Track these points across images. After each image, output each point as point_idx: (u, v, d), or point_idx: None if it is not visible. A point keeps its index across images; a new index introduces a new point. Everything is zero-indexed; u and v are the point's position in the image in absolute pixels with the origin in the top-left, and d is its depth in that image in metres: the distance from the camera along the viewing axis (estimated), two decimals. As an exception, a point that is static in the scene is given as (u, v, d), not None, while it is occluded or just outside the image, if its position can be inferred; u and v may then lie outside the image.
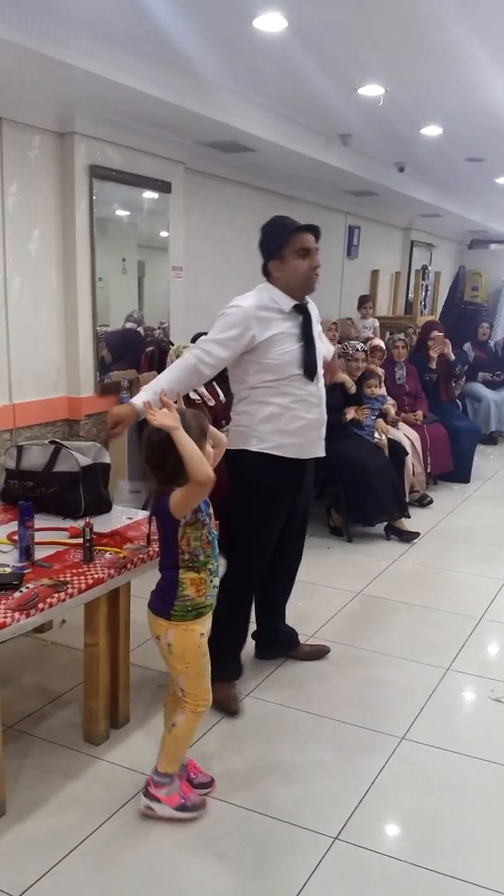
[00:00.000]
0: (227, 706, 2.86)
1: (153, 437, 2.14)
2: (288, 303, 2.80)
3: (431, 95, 4.91)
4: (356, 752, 2.65)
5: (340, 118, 5.44)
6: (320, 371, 2.89)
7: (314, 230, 2.84)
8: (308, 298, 2.91)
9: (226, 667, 2.94)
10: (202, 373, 2.79)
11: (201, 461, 2.08)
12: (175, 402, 2.17)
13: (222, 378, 5.07)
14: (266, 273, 2.86)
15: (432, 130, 5.77)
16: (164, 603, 2.21)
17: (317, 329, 2.94)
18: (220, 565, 2.31)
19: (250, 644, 3.20)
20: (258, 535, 2.91)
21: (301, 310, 2.84)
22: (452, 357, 6.59)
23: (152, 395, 2.46)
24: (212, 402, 4.50)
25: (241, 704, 2.92)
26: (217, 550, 2.27)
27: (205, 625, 2.26)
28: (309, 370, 2.81)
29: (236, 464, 2.81)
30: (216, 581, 2.27)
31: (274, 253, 2.80)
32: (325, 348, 3.09)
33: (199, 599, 2.22)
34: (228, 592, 2.89)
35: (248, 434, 2.82)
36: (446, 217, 9.58)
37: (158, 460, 2.14)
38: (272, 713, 2.88)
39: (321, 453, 2.96)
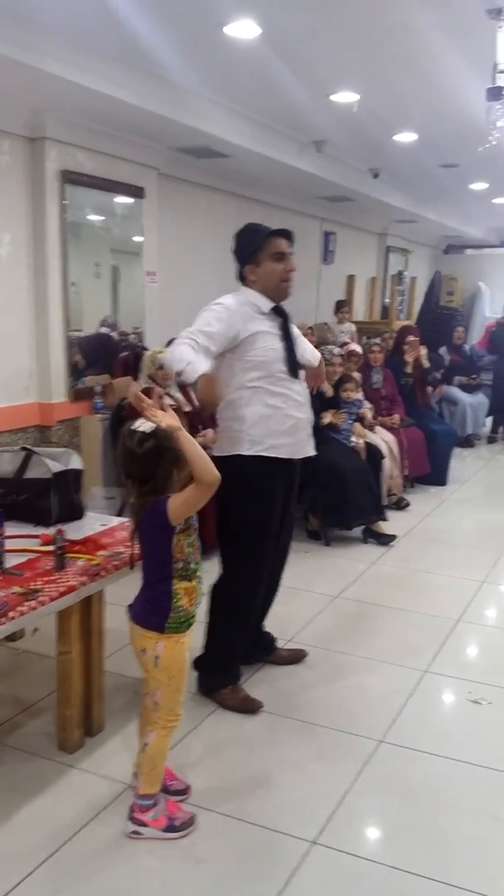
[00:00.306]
0: (248, 706, 2.89)
1: (136, 450, 2.07)
2: (266, 304, 2.83)
3: (405, 102, 4.94)
4: (334, 755, 2.64)
5: (314, 124, 5.46)
6: (302, 372, 2.93)
7: (287, 234, 2.86)
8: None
9: (234, 672, 2.98)
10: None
11: (207, 461, 2.05)
12: (154, 400, 2.13)
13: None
14: (241, 278, 2.88)
15: (406, 137, 5.81)
16: (157, 616, 2.15)
17: (295, 331, 2.97)
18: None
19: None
20: (259, 538, 2.88)
21: (279, 311, 2.87)
22: (427, 364, 6.64)
23: (193, 372, 2.57)
24: (188, 408, 4.48)
25: (219, 711, 2.89)
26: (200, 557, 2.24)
27: (190, 636, 2.23)
28: (292, 368, 2.84)
29: (230, 469, 2.78)
30: (202, 588, 2.24)
31: (249, 258, 2.82)
32: (310, 352, 3.12)
33: (190, 609, 2.19)
34: (233, 600, 2.89)
35: (239, 437, 2.81)
36: (421, 222, 9.66)
37: (144, 473, 2.08)
38: (250, 718, 2.86)
39: (312, 452, 2.98)
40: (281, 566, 3.16)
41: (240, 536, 2.87)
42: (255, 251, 2.81)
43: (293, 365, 2.85)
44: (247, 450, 2.80)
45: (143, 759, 2.23)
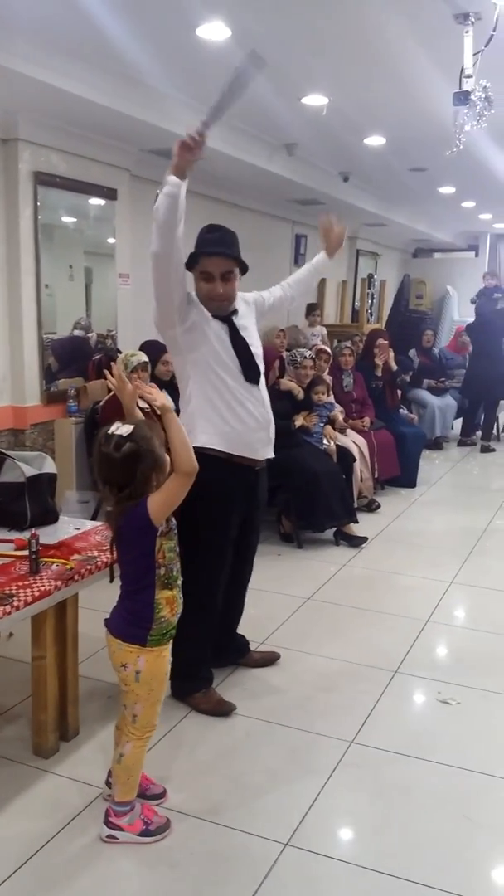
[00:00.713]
0: (221, 709, 2.90)
1: (114, 454, 2.01)
2: (207, 312, 2.80)
3: (375, 105, 4.99)
4: (306, 757, 2.67)
5: (285, 127, 5.49)
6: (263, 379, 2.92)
7: (224, 255, 2.76)
8: (242, 297, 2.94)
9: (204, 676, 2.99)
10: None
11: (190, 450, 2.04)
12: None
13: (172, 386, 5.07)
14: None
15: (376, 140, 5.87)
16: (138, 628, 2.11)
17: (250, 321, 2.94)
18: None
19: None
20: (214, 539, 2.87)
21: (223, 319, 2.83)
22: (395, 367, 6.72)
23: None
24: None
25: (192, 714, 2.91)
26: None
27: (170, 649, 2.22)
28: (247, 373, 2.82)
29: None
30: (181, 597, 2.22)
31: (188, 265, 2.77)
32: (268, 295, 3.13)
33: (172, 619, 2.17)
34: (191, 600, 2.87)
35: (193, 432, 2.76)
36: (391, 226, 9.74)
37: (122, 478, 2.02)
38: (222, 721, 2.87)
39: (269, 455, 2.96)
40: (248, 570, 3.18)
41: (196, 536, 2.81)
42: (191, 262, 2.77)
43: (248, 370, 2.82)
44: (196, 441, 2.71)
45: (119, 769, 2.22)
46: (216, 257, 2.75)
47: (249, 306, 2.99)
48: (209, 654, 3.05)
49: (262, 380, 2.94)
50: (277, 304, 3.18)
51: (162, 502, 2.04)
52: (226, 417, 2.79)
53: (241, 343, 2.83)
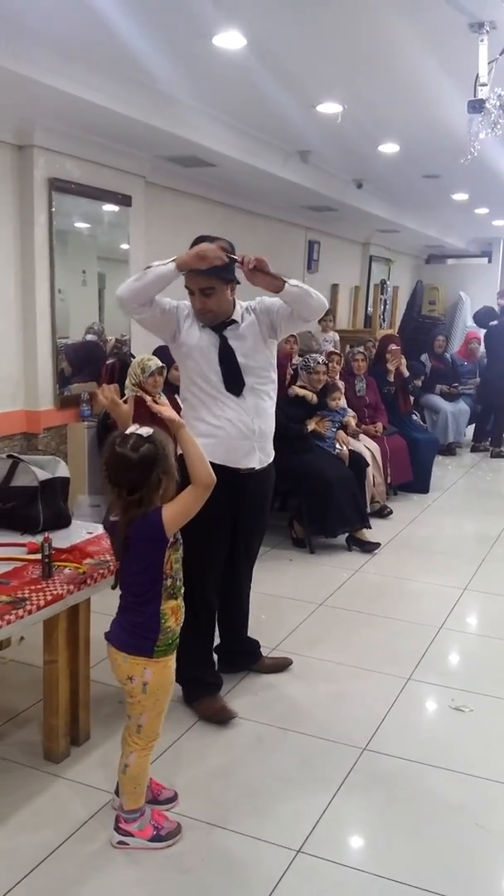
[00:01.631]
0: (220, 716, 2.88)
1: (131, 454, 1.99)
2: (198, 321, 2.86)
3: (388, 113, 5.00)
4: (318, 763, 2.66)
5: (299, 135, 5.50)
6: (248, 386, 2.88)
7: (208, 272, 2.71)
8: (247, 306, 2.91)
9: (209, 680, 2.99)
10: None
11: (206, 462, 2.04)
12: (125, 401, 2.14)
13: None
14: None
15: (389, 148, 5.87)
16: (145, 640, 2.10)
17: (251, 331, 2.88)
18: None
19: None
20: (199, 544, 2.76)
21: (215, 328, 2.84)
22: (406, 373, 6.71)
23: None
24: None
25: (201, 719, 2.91)
26: None
27: (174, 657, 2.21)
28: (230, 385, 2.83)
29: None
30: (184, 606, 2.21)
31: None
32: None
33: (176, 629, 2.16)
34: (188, 612, 2.87)
35: None
36: (404, 232, 9.74)
37: (135, 480, 1.99)
38: (235, 726, 2.87)
39: (253, 465, 2.90)
40: (247, 574, 3.17)
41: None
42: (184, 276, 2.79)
43: (231, 382, 2.82)
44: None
45: (125, 779, 2.21)
46: (192, 274, 2.75)
47: (254, 316, 2.91)
48: (210, 659, 3.04)
49: (264, 391, 2.91)
50: (287, 320, 2.96)
51: (177, 513, 2.04)
52: (207, 424, 2.83)
53: (228, 356, 2.82)
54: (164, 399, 4.48)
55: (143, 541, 2.05)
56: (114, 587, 2.29)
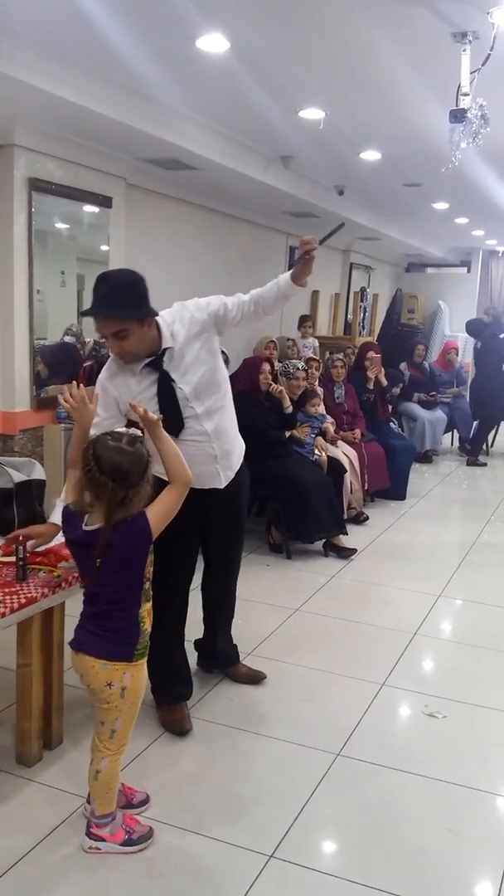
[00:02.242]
0: (175, 727, 2.83)
1: (127, 451, 1.96)
2: (136, 367, 2.65)
3: (370, 121, 5.02)
4: (292, 769, 2.65)
5: (282, 140, 5.51)
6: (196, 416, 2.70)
7: (100, 316, 2.54)
8: (182, 318, 2.70)
9: (174, 689, 2.94)
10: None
11: (182, 460, 2.04)
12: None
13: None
14: None
15: (371, 155, 5.90)
16: (125, 645, 2.08)
17: (191, 348, 2.70)
18: None
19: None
20: (163, 557, 2.78)
21: (153, 364, 2.64)
22: (385, 382, 6.76)
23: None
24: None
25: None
26: None
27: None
28: (172, 425, 2.56)
29: None
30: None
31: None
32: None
33: (149, 631, 2.17)
34: (159, 622, 2.84)
35: None
36: (384, 240, 9.79)
37: (129, 478, 1.95)
38: (209, 731, 2.86)
39: (219, 485, 2.81)
40: (226, 585, 3.16)
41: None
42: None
43: (171, 422, 2.53)
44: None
45: (97, 786, 2.19)
46: (97, 320, 2.55)
47: (194, 326, 2.70)
48: (178, 667, 2.96)
49: (220, 406, 2.77)
50: (245, 319, 2.83)
51: (160, 514, 2.04)
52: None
53: (166, 392, 2.63)
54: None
55: (131, 547, 2.03)
56: (82, 587, 2.23)
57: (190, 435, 2.68)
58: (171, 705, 2.91)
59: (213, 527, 2.94)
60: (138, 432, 2.07)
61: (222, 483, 2.84)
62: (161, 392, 2.63)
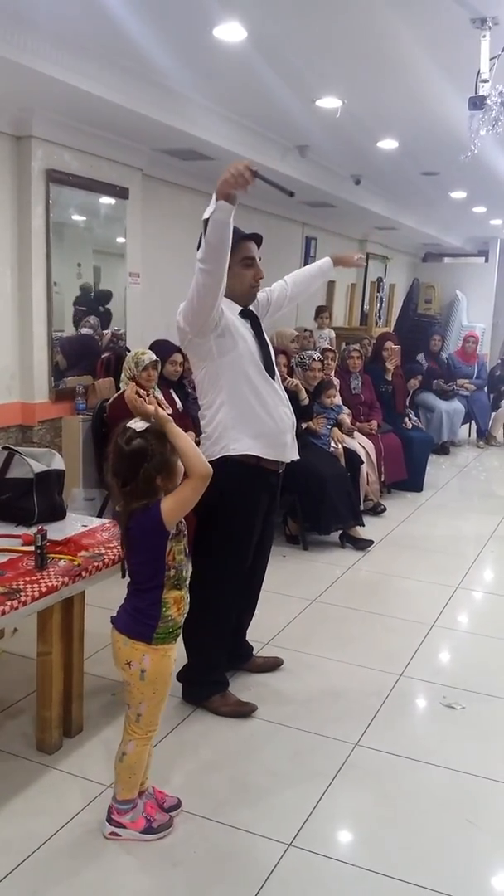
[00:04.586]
0: (242, 710, 2.90)
1: (124, 446, 2.04)
2: (234, 307, 2.80)
3: (388, 109, 4.99)
4: (310, 759, 2.66)
5: (298, 129, 5.49)
6: (278, 375, 2.90)
7: (258, 239, 2.82)
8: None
9: (220, 679, 2.98)
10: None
11: (199, 453, 2.05)
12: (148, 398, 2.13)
13: (180, 386, 5.06)
14: None
15: (388, 144, 5.86)
16: (145, 626, 2.11)
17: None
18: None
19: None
20: (239, 548, 2.86)
21: (248, 314, 2.85)
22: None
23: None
24: (169, 410, 4.50)
25: (195, 714, 2.91)
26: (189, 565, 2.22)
27: (175, 649, 2.20)
28: (268, 368, 2.81)
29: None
30: (188, 596, 2.22)
31: None
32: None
33: (178, 619, 2.16)
34: (211, 610, 2.85)
35: (220, 440, 2.75)
36: (401, 230, 9.73)
37: (126, 472, 2.04)
38: (227, 722, 2.87)
39: (296, 456, 2.92)
40: (261, 575, 3.16)
41: (220, 545, 2.83)
42: None
43: (269, 365, 2.81)
44: (232, 451, 2.73)
45: (121, 767, 2.21)
46: (252, 242, 2.78)
47: (258, 304, 2.98)
48: (224, 659, 3.03)
49: (279, 381, 2.92)
50: (277, 304, 3.14)
51: (175, 506, 2.06)
52: (263, 419, 2.76)
53: (263, 339, 2.84)
54: (159, 394, 4.48)
55: (142, 532, 2.08)
56: (123, 576, 2.33)
57: (277, 394, 2.82)
58: (224, 693, 2.95)
59: (270, 512, 2.97)
60: (144, 425, 2.07)
61: (296, 454, 2.92)
62: (257, 331, 2.83)
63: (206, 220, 2.51)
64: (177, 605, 2.15)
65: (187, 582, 2.19)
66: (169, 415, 2.16)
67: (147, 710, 2.18)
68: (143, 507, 2.05)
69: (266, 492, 2.88)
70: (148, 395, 2.21)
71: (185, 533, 2.18)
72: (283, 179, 6.32)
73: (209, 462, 2.64)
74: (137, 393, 2.16)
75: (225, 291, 2.66)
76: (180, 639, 2.28)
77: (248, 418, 2.75)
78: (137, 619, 2.13)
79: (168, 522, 2.06)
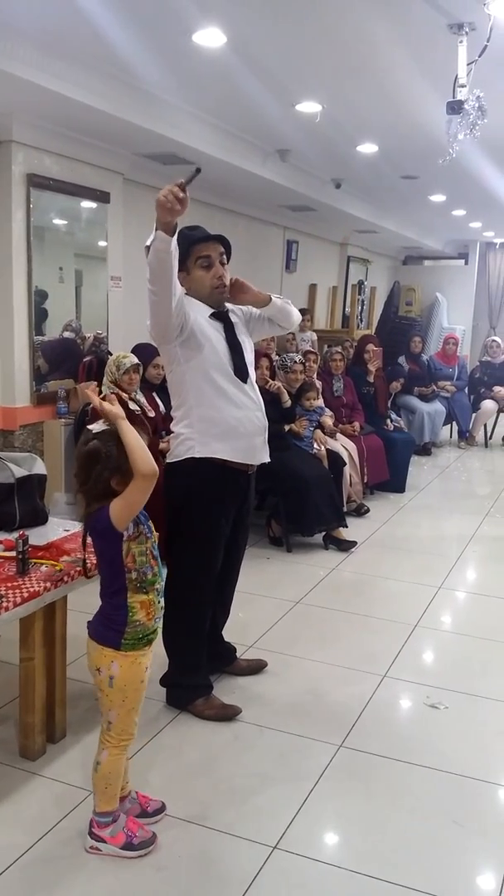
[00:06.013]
0: (227, 713, 2.90)
1: (80, 448, 2.08)
2: (205, 310, 2.81)
3: (367, 113, 5.02)
4: (295, 760, 2.67)
5: (279, 133, 5.51)
6: (252, 376, 2.89)
7: (219, 239, 2.82)
8: (231, 307, 2.93)
9: (203, 682, 2.98)
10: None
11: (147, 452, 2.02)
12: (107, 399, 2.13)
13: (162, 389, 5.06)
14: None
15: (368, 148, 5.90)
16: (113, 631, 2.09)
17: (241, 331, 2.93)
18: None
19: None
20: (206, 548, 2.86)
21: (220, 316, 2.84)
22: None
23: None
24: (152, 414, 4.49)
25: (179, 718, 2.91)
26: (161, 568, 2.19)
27: (149, 657, 2.18)
28: (238, 371, 2.80)
29: (179, 475, 2.79)
30: (162, 602, 2.19)
31: (180, 265, 2.68)
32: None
33: (149, 624, 2.13)
34: (186, 611, 2.86)
35: (187, 441, 2.78)
36: (382, 233, 9.79)
37: (82, 472, 2.06)
38: (211, 724, 2.87)
39: (266, 459, 2.93)
40: (234, 576, 3.16)
41: (187, 545, 2.83)
42: (184, 258, 2.72)
43: (239, 368, 2.81)
44: (196, 453, 2.75)
45: (96, 777, 2.18)
46: (212, 242, 2.80)
47: (239, 316, 2.97)
48: (205, 660, 3.03)
49: (255, 383, 2.92)
50: (257, 318, 3.05)
51: (122, 507, 2.03)
52: (229, 423, 2.76)
53: (234, 341, 2.83)
54: (140, 397, 4.47)
55: (97, 534, 2.09)
56: (87, 576, 2.39)
57: (248, 397, 2.83)
58: (207, 696, 2.95)
59: (242, 512, 2.97)
60: (100, 427, 2.08)
61: (267, 457, 2.92)
62: (229, 335, 2.82)
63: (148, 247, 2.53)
64: (145, 609, 2.11)
65: (157, 586, 2.16)
66: (150, 418, 2.16)
67: (117, 718, 2.15)
68: (98, 509, 2.05)
69: (234, 492, 2.87)
70: (134, 396, 2.21)
71: (151, 535, 2.14)
72: (265, 184, 6.35)
73: (176, 462, 2.65)
74: (120, 394, 2.16)
75: (188, 295, 2.76)
76: (160, 645, 2.27)
77: (215, 421, 2.76)
78: (106, 625, 2.12)
79: (117, 524, 2.03)
